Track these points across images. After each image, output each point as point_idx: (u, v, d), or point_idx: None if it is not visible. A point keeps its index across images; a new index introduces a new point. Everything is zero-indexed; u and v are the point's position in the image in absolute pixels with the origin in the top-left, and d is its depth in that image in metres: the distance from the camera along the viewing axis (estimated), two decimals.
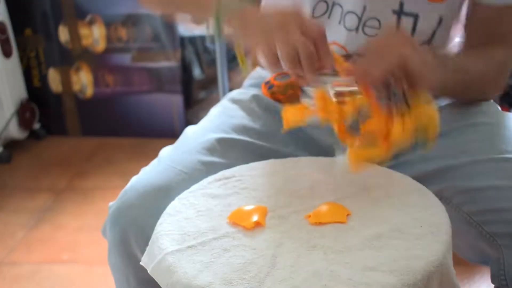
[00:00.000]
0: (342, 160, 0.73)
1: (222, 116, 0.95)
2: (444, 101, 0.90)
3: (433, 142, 0.70)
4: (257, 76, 1.02)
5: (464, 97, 0.88)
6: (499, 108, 0.92)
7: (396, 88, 0.68)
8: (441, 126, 0.87)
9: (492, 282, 0.78)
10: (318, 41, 0.70)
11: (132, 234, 0.78)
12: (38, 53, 2.36)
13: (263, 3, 1.01)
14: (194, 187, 0.77)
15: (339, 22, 0.88)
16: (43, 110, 2.38)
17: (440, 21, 0.86)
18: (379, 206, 0.70)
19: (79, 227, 1.81)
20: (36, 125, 2.37)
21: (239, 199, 0.73)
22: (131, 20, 2.22)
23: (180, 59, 2.25)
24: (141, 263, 0.69)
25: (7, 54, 2.19)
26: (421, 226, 0.64)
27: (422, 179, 0.76)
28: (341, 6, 0.87)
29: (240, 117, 0.94)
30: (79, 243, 1.73)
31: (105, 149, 2.33)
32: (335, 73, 0.72)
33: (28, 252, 1.69)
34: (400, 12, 0.85)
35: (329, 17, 0.89)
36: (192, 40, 2.26)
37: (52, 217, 1.86)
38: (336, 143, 0.74)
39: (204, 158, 0.85)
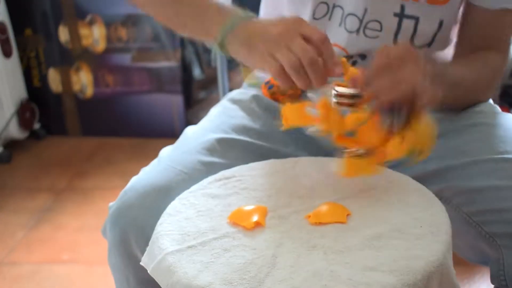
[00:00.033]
0: (336, 163, 0.73)
1: (222, 116, 0.95)
2: None
3: (425, 156, 0.71)
4: (257, 76, 1.02)
5: (456, 104, 0.88)
6: (498, 108, 0.92)
7: (400, 110, 0.68)
8: (440, 127, 0.87)
9: (492, 282, 0.78)
10: (321, 46, 0.69)
11: (132, 234, 0.78)
12: (38, 53, 2.36)
13: (261, 13, 1.01)
14: (194, 187, 0.77)
15: (340, 24, 0.88)
16: (43, 110, 2.38)
17: (440, 23, 0.86)
18: (379, 206, 0.70)
19: (79, 227, 1.81)
20: (36, 125, 2.37)
21: (239, 199, 0.73)
22: (131, 20, 2.22)
23: (180, 59, 2.25)
24: (141, 263, 0.69)
25: (7, 54, 2.19)
26: (421, 226, 0.65)
27: (422, 179, 0.76)
28: (342, 8, 0.87)
29: (240, 117, 0.94)
30: (79, 243, 1.73)
31: (105, 149, 2.33)
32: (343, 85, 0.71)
33: (28, 252, 1.69)
34: (401, 15, 0.85)
35: (329, 19, 0.88)
36: (192, 40, 2.26)
37: (52, 217, 1.86)
38: (335, 146, 0.74)
39: (204, 158, 0.85)
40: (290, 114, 0.75)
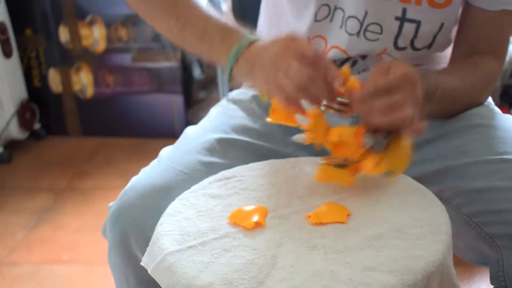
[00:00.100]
0: (314, 166, 0.75)
1: (222, 117, 0.95)
2: None
3: (396, 175, 0.72)
4: None
5: (448, 113, 0.88)
6: (498, 109, 0.92)
7: (384, 135, 0.69)
8: (440, 128, 0.87)
9: (491, 283, 0.78)
10: (317, 63, 0.69)
11: (132, 234, 0.78)
12: (39, 53, 2.36)
13: (261, 15, 1.01)
14: (194, 187, 0.77)
15: (341, 27, 0.88)
16: (43, 110, 2.38)
17: (441, 26, 0.86)
18: (379, 206, 0.70)
19: (79, 227, 1.81)
20: (37, 125, 2.37)
21: (239, 199, 0.73)
22: (131, 20, 2.22)
23: (180, 59, 2.25)
24: (141, 263, 0.69)
25: (8, 54, 2.19)
26: (421, 226, 0.65)
27: (421, 180, 0.76)
28: (343, 10, 0.87)
29: (240, 117, 0.94)
30: (79, 243, 1.73)
31: (105, 149, 2.33)
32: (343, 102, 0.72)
33: (28, 252, 1.69)
34: (402, 19, 0.85)
35: (331, 20, 0.88)
36: None
37: (52, 217, 1.86)
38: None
39: (204, 158, 0.85)
40: (279, 110, 0.75)
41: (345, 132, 0.70)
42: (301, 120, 0.70)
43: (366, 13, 0.85)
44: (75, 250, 1.70)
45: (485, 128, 0.85)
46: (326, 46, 0.90)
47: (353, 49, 0.88)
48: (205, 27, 0.81)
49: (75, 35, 2.29)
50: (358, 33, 0.87)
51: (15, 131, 2.24)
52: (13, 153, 2.25)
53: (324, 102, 0.71)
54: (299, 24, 0.90)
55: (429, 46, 0.88)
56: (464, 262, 0.89)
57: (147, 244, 0.70)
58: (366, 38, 0.87)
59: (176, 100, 2.31)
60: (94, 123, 2.42)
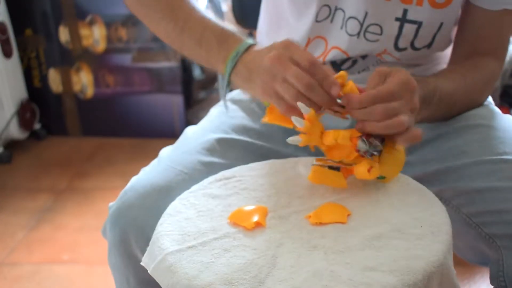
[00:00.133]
0: (307, 166, 0.75)
1: (222, 117, 0.95)
2: None
3: (387, 181, 0.73)
4: None
5: (447, 116, 0.88)
6: (498, 109, 0.92)
7: (378, 142, 0.70)
8: (440, 128, 0.87)
9: (491, 283, 0.78)
10: (312, 69, 0.69)
11: (132, 234, 0.78)
12: (39, 54, 2.36)
13: (261, 16, 1.01)
14: (194, 187, 0.77)
15: (341, 27, 0.87)
16: (43, 111, 2.39)
17: (440, 25, 0.86)
18: (379, 206, 0.70)
19: (79, 227, 1.81)
20: (37, 126, 2.37)
21: (239, 199, 0.73)
22: (131, 21, 2.22)
23: (180, 59, 2.25)
24: (141, 263, 0.69)
25: (8, 54, 2.19)
26: (421, 226, 0.65)
27: (421, 180, 0.76)
28: (343, 11, 0.87)
29: (240, 118, 0.94)
30: (79, 243, 1.73)
31: (105, 149, 2.33)
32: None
33: (29, 253, 1.69)
34: (403, 19, 0.85)
35: (331, 21, 0.88)
36: None
37: (52, 218, 1.86)
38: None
39: (204, 158, 0.85)
40: (275, 111, 0.75)
41: (341, 135, 0.70)
42: (296, 122, 0.70)
43: (366, 14, 0.85)
44: (75, 250, 1.70)
45: (485, 128, 0.85)
46: (326, 47, 0.90)
47: (353, 50, 0.88)
48: (203, 31, 0.81)
49: (75, 35, 2.29)
50: (358, 34, 0.87)
51: (15, 131, 2.24)
52: (13, 153, 2.25)
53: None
54: (300, 24, 0.90)
55: (429, 46, 0.88)
56: (464, 262, 0.89)
57: (147, 244, 0.70)
58: (366, 39, 0.87)
59: (176, 100, 2.31)
60: (94, 123, 2.42)
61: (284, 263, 0.60)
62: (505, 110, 1.63)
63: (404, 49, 0.87)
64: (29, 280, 1.58)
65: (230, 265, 0.61)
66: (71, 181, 2.10)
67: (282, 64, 0.70)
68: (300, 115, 0.70)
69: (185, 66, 2.29)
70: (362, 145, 0.69)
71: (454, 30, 0.92)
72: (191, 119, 2.30)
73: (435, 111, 0.82)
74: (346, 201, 0.70)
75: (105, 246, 0.83)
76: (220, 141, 0.88)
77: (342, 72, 0.72)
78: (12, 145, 2.28)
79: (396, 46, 0.87)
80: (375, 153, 0.69)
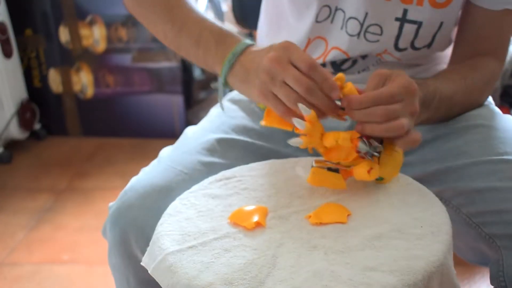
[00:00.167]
0: (305, 168, 0.75)
1: (222, 117, 0.95)
2: None
3: (386, 182, 0.73)
4: None
5: (447, 117, 0.88)
6: (498, 109, 0.92)
7: (378, 143, 0.70)
8: (440, 128, 0.87)
9: (491, 283, 0.78)
10: (311, 73, 0.69)
11: (132, 234, 0.78)
12: (39, 54, 2.36)
13: (262, 17, 1.01)
14: (194, 187, 0.77)
15: (341, 28, 0.87)
16: (43, 111, 2.39)
17: (440, 25, 0.86)
18: (379, 206, 0.70)
19: (79, 227, 1.81)
20: (37, 126, 2.37)
21: (239, 199, 0.73)
22: (132, 21, 2.23)
23: (180, 60, 2.25)
24: (141, 263, 0.69)
25: (8, 54, 2.19)
26: (421, 226, 0.65)
27: (421, 180, 0.76)
28: (343, 12, 0.87)
29: (240, 118, 0.94)
30: (79, 243, 1.73)
31: (105, 149, 2.33)
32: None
33: (29, 253, 1.69)
34: (403, 20, 0.85)
35: (331, 22, 0.88)
36: None
37: (53, 218, 1.87)
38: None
39: (204, 158, 0.85)
40: (273, 114, 0.75)
41: (341, 137, 0.70)
42: (297, 124, 0.70)
43: (366, 14, 0.85)
44: (75, 250, 1.70)
45: (485, 129, 0.85)
46: (326, 47, 0.90)
47: (354, 50, 0.88)
48: (201, 32, 0.81)
49: (75, 35, 2.30)
50: (359, 34, 0.87)
51: (15, 131, 2.24)
52: (13, 153, 2.26)
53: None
54: (300, 25, 0.90)
55: (429, 46, 0.88)
56: (464, 262, 0.89)
57: (147, 244, 0.70)
58: (366, 39, 0.87)
59: (176, 100, 2.31)
60: (94, 123, 2.42)
61: (284, 263, 0.60)
62: (505, 110, 1.64)
63: (404, 49, 0.88)
64: (29, 280, 1.58)
65: (230, 265, 0.61)
66: (71, 181, 2.10)
67: (281, 66, 0.69)
68: (298, 116, 0.70)
69: (185, 66, 2.29)
70: (362, 146, 0.69)
71: (455, 30, 0.92)
72: (191, 119, 2.30)
73: (434, 113, 0.82)
74: (346, 201, 0.70)
75: (105, 246, 0.83)
76: (220, 141, 0.88)
77: (340, 74, 0.72)
78: (12, 145, 2.28)
79: (396, 46, 0.87)
80: (375, 154, 0.69)
